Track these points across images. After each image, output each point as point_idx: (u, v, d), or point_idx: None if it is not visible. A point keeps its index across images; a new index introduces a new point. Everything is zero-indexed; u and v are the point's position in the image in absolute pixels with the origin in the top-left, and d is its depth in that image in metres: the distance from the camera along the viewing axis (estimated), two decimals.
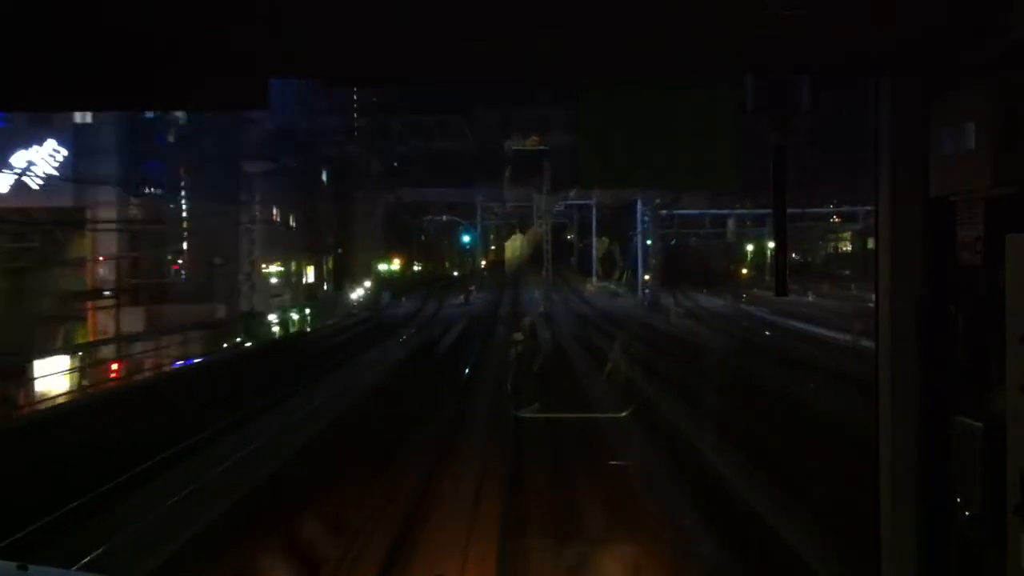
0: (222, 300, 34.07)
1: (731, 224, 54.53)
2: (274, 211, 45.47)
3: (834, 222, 55.43)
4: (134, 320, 29.64)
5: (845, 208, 47.13)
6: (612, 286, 52.98)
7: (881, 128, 2.42)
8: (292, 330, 39.70)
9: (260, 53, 2.32)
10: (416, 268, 78.18)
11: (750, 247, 57.98)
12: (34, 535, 10.48)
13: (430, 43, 2.27)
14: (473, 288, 58.21)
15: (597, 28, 2.15)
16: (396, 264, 72.40)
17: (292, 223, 49.78)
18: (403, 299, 55.41)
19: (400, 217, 68.23)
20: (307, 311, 44.90)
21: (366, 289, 57.84)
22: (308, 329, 41.56)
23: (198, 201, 33.38)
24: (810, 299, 40.78)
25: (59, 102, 2.48)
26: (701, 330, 32.77)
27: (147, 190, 33.50)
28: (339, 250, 56.82)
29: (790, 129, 2.45)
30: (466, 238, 71.42)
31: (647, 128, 2.38)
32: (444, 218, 69.02)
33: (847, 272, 47.69)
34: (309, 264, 53.43)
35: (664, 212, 50.97)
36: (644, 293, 48.26)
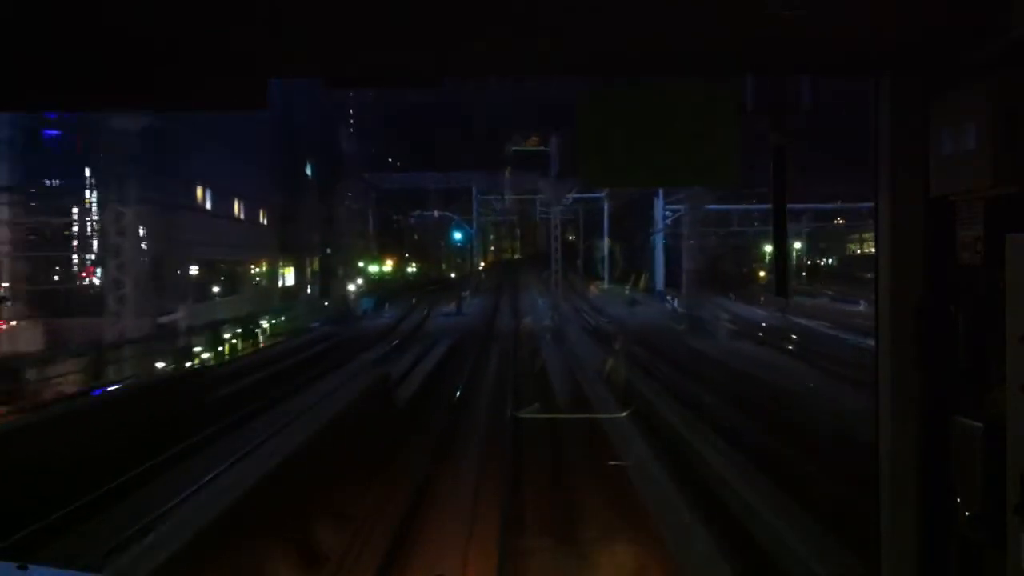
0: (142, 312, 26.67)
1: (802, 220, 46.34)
2: (236, 205, 40.82)
3: (839, 223, 53.64)
4: (32, 337, 23.92)
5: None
6: (627, 291, 46.77)
7: (881, 128, 2.42)
8: (188, 362, 27.80)
9: (260, 53, 2.32)
10: (411, 269, 73.17)
11: (767, 247, 51.64)
12: None
13: (430, 43, 2.27)
14: (467, 294, 50.38)
15: (597, 28, 2.15)
16: (389, 265, 67.61)
17: (264, 219, 44.79)
18: (386, 305, 48.44)
19: (382, 208, 61.16)
20: (237, 329, 33.42)
21: (351, 293, 51.98)
22: (217, 357, 29.70)
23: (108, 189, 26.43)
24: (862, 308, 33.15)
25: (59, 102, 2.49)
26: (780, 362, 23.68)
27: (50, 182, 28.64)
28: (327, 250, 52.23)
29: (790, 129, 2.45)
30: (457, 235, 63.93)
31: (647, 128, 2.38)
32: (436, 214, 61.40)
33: (869, 275, 43.05)
34: (288, 266, 48.79)
35: (678, 208, 43.41)
36: (669, 301, 41.43)
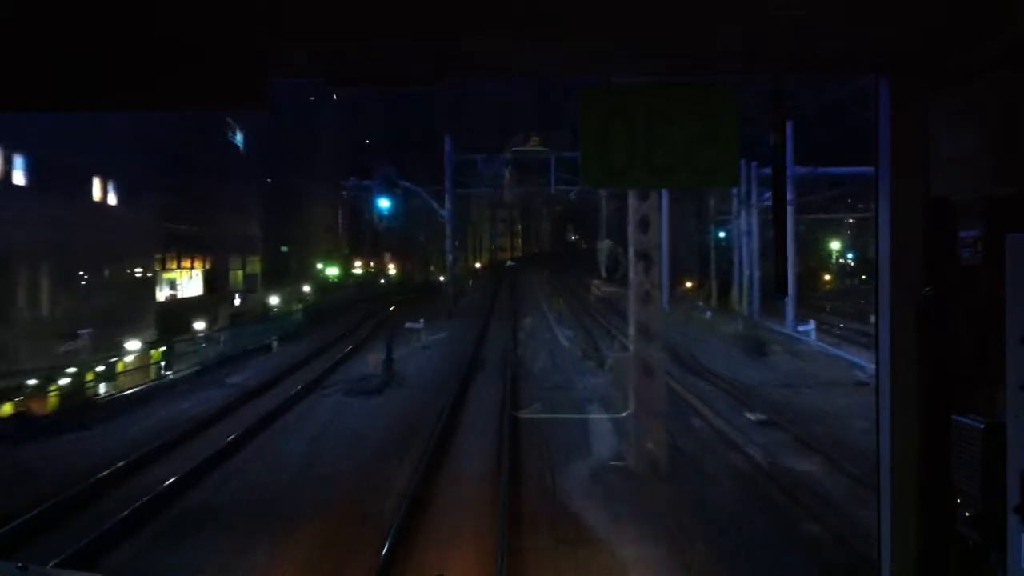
0: None
1: None
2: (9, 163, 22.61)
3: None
4: None
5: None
6: (706, 314, 31.87)
7: (881, 128, 2.42)
8: None
9: (260, 53, 2.33)
10: (392, 271, 58.66)
11: (836, 244, 40.11)
12: None
13: (430, 43, 2.28)
14: (420, 325, 27.24)
15: (597, 28, 2.16)
16: (358, 267, 54.98)
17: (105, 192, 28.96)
18: (273, 347, 28.42)
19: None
20: None
21: (275, 308, 36.43)
22: None
23: None
24: None
25: (59, 102, 2.50)
26: None
27: None
28: (284, 248, 41.32)
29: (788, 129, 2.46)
30: (384, 203, 34.48)
31: (648, 128, 2.38)
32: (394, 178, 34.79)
33: None
34: (187, 270, 35.32)
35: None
36: (812, 334, 24.79)
